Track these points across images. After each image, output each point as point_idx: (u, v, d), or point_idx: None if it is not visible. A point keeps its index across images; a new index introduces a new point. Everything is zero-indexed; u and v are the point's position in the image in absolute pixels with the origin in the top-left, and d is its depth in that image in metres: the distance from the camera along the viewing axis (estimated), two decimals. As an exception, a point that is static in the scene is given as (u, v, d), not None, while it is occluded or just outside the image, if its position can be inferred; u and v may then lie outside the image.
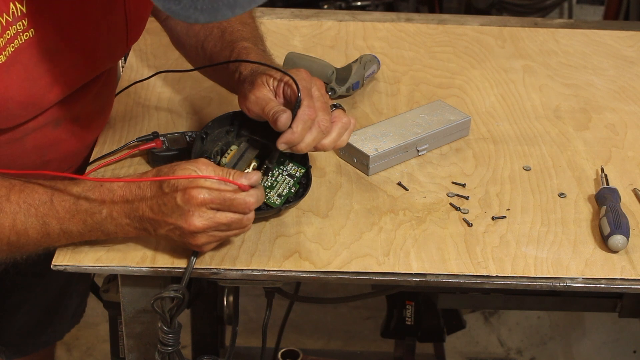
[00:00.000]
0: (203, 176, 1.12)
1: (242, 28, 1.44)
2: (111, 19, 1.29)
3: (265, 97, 1.26)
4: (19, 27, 1.14)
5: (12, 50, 1.14)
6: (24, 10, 1.14)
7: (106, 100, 1.43)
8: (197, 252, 1.18)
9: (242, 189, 1.13)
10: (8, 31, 1.13)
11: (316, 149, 1.25)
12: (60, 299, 1.71)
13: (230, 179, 1.13)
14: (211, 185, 1.12)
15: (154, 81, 1.61)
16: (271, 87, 1.27)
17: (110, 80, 1.43)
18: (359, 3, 3.56)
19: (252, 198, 1.13)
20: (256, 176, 1.15)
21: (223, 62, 1.36)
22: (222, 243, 1.21)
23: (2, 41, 1.13)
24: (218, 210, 1.13)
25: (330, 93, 1.58)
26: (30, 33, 1.16)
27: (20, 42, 1.15)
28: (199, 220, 1.12)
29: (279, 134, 1.28)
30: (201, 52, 1.44)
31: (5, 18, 1.13)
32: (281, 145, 1.23)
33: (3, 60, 1.13)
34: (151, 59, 1.70)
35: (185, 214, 1.12)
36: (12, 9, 1.13)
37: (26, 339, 1.70)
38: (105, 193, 1.15)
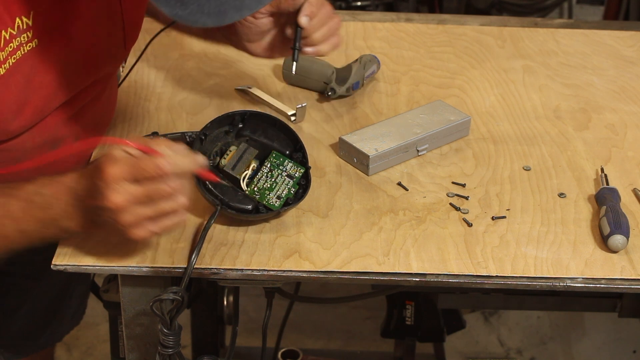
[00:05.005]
0: (119, 140, 1.10)
1: None
2: (109, 23, 1.29)
3: None
4: (22, 39, 1.14)
5: (13, 61, 1.14)
6: (30, 23, 1.14)
7: (105, 119, 1.44)
8: (197, 252, 1.17)
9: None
10: (11, 44, 1.13)
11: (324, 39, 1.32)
12: (59, 301, 1.71)
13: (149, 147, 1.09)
14: (125, 157, 1.09)
15: (154, 81, 1.61)
16: None
17: (110, 101, 1.43)
18: (359, 3, 3.56)
19: (164, 160, 1.08)
20: (178, 146, 1.11)
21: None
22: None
23: (3, 54, 1.12)
24: (135, 181, 1.08)
25: (330, 93, 1.58)
26: (33, 44, 1.16)
27: (22, 52, 1.15)
28: (116, 195, 1.07)
29: (279, 135, 1.33)
30: None
31: (10, 32, 1.12)
32: (303, 19, 1.30)
33: (2, 73, 1.13)
34: (151, 59, 1.70)
35: (103, 191, 1.08)
36: (18, 22, 1.13)
37: (25, 341, 1.70)
38: (58, 188, 1.13)
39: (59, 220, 1.13)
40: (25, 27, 1.14)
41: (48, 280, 1.62)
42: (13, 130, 1.22)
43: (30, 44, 1.15)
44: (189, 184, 1.13)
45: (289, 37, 1.39)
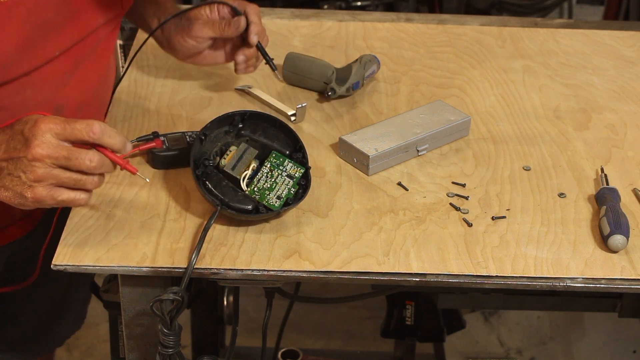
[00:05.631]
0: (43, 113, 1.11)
1: None
2: None
3: (208, 19, 1.44)
4: None
5: None
6: None
7: (106, 99, 1.43)
8: (197, 252, 1.17)
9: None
10: None
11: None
12: (60, 306, 1.70)
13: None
14: (61, 117, 1.10)
15: (154, 81, 1.61)
16: (205, 13, 1.45)
17: (109, 73, 1.43)
18: (359, 3, 3.56)
19: (97, 126, 1.09)
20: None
21: (197, 5, 1.45)
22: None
23: None
24: (63, 139, 1.09)
25: (330, 93, 1.58)
26: None
27: None
28: (41, 146, 1.07)
29: (279, 135, 1.34)
30: None
31: None
32: (254, 37, 1.43)
33: (5, 2, 1.13)
34: (151, 58, 1.70)
35: (29, 140, 1.08)
36: None
37: (25, 346, 1.69)
38: None
39: None
40: None
41: (49, 286, 1.61)
42: (14, 72, 1.22)
43: None
44: (106, 172, 1.13)
45: (232, 49, 1.50)
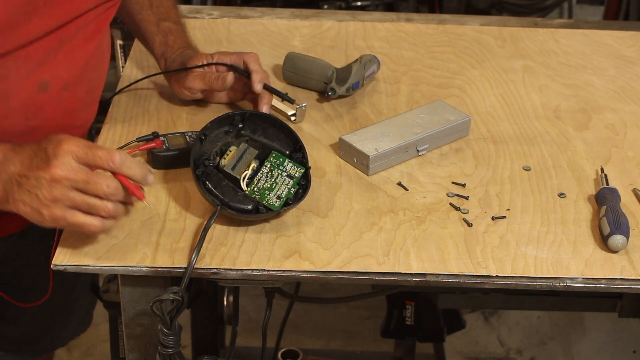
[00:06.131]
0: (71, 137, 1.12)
1: (166, 4, 1.57)
2: None
3: (201, 71, 1.48)
4: None
5: None
6: None
7: (96, 82, 1.43)
8: (197, 252, 1.17)
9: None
10: None
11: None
12: (62, 308, 1.70)
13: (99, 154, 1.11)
14: (84, 141, 1.11)
15: (154, 81, 1.61)
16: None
17: (103, 56, 1.43)
18: (359, 3, 3.56)
19: (118, 155, 1.11)
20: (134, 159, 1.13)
21: (196, 66, 1.49)
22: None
23: None
24: (83, 163, 1.10)
25: (330, 93, 1.58)
26: None
27: None
28: (60, 167, 1.09)
29: (279, 135, 1.34)
30: (127, 10, 1.53)
31: None
32: (258, 86, 1.46)
33: None
34: (151, 59, 1.70)
35: (50, 160, 1.09)
36: None
37: (26, 346, 1.69)
38: None
39: None
40: None
41: (15, 285, 1.60)
42: None
43: None
44: (124, 203, 1.14)
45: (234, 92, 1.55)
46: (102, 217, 1.13)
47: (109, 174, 1.13)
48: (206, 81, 1.48)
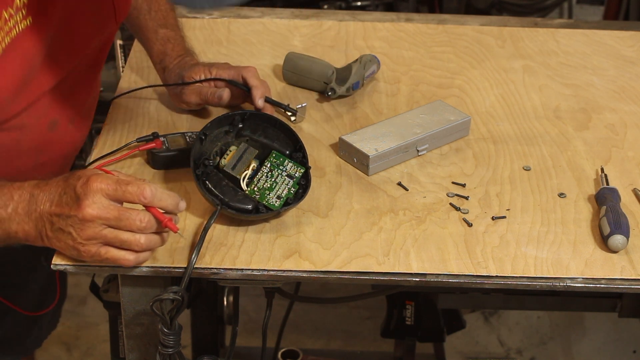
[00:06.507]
0: (107, 171, 1.13)
1: (164, 9, 1.57)
2: None
3: (198, 85, 1.48)
4: (18, 18, 1.14)
5: (9, 40, 1.13)
6: (26, 1, 1.14)
7: (93, 102, 1.44)
8: (197, 252, 1.17)
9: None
10: (9, 23, 1.13)
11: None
12: (38, 309, 1.69)
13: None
14: (113, 177, 1.11)
15: (155, 80, 1.61)
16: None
17: (98, 83, 1.44)
18: (359, 3, 3.55)
19: (149, 189, 1.10)
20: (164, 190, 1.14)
21: (194, 81, 1.49)
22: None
23: (6, 38, 1.12)
24: (114, 200, 1.10)
25: (330, 93, 1.58)
26: (27, 21, 1.16)
27: (17, 31, 1.15)
28: (92, 206, 1.08)
29: (279, 135, 1.34)
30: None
31: (9, 11, 1.12)
32: (260, 101, 1.46)
33: (0, 54, 1.13)
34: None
35: (80, 199, 1.09)
36: (17, 1, 1.13)
37: (9, 347, 1.68)
38: (15, 188, 1.13)
39: (7, 222, 1.13)
40: (21, 4, 1.14)
41: (25, 295, 1.60)
42: (12, 110, 1.22)
43: (24, 21, 1.15)
44: (157, 234, 1.14)
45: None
46: (136, 251, 1.13)
47: (140, 206, 1.12)
48: (202, 97, 1.48)
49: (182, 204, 1.15)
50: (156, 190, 1.12)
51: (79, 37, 1.29)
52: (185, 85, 1.49)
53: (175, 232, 1.14)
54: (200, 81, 1.49)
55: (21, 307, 1.54)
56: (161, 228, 1.14)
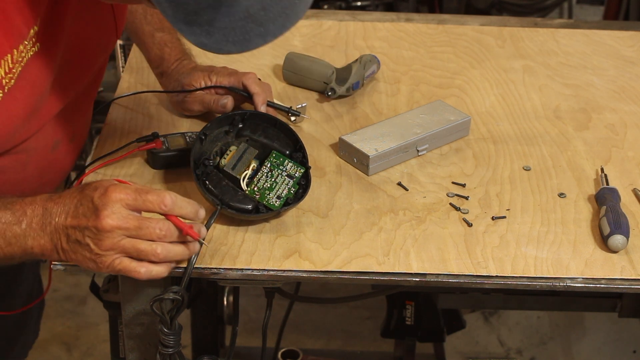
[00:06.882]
0: (122, 181, 1.12)
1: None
2: (100, 12, 1.29)
3: (199, 94, 1.47)
4: (28, 46, 1.14)
5: (20, 69, 1.13)
6: (37, 29, 1.14)
7: (91, 115, 1.44)
8: (197, 252, 1.17)
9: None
10: (23, 54, 1.13)
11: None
12: (20, 321, 1.68)
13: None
14: (131, 186, 1.11)
15: (154, 81, 1.61)
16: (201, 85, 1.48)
17: (92, 99, 1.44)
18: (359, 3, 3.56)
19: (169, 197, 1.10)
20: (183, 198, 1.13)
21: (195, 89, 1.48)
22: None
23: (17, 67, 1.12)
24: (134, 210, 1.10)
25: (330, 93, 1.58)
26: (35, 48, 1.15)
27: (27, 59, 1.14)
28: (111, 217, 1.08)
29: (279, 135, 1.35)
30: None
31: (24, 43, 1.12)
32: (262, 108, 1.43)
33: (12, 85, 1.12)
34: (151, 59, 1.70)
35: (99, 210, 1.08)
36: (31, 32, 1.13)
37: None
38: (27, 203, 1.12)
39: (22, 238, 1.12)
40: (33, 34, 1.13)
41: (10, 300, 1.60)
42: (23, 136, 1.21)
43: (33, 48, 1.15)
44: (179, 244, 1.13)
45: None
46: (153, 262, 1.11)
47: (159, 215, 1.11)
48: (205, 105, 1.48)
49: (202, 212, 1.14)
50: (176, 198, 1.11)
51: (86, 58, 1.29)
52: (186, 93, 1.48)
53: (197, 239, 1.14)
54: (201, 89, 1.48)
55: (9, 309, 1.53)
56: (182, 237, 1.13)
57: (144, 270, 1.11)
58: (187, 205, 1.12)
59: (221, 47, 1.04)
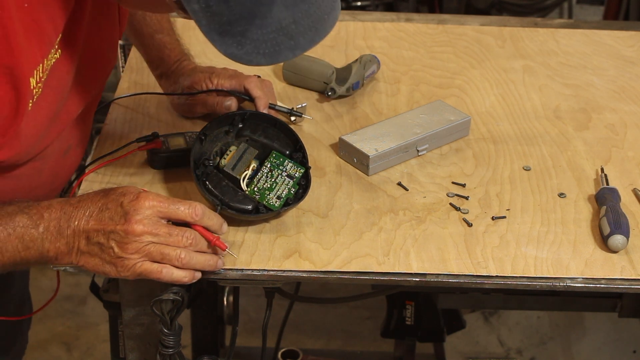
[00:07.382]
0: (144, 190, 1.14)
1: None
2: (108, 17, 1.29)
3: (202, 97, 1.47)
4: (53, 53, 1.14)
5: (46, 77, 1.13)
6: (60, 36, 1.14)
7: (92, 118, 1.45)
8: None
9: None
10: (49, 62, 1.13)
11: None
12: (10, 333, 1.68)
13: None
14: (162, 195, 1.13)
15: (154, 82, 1.61)
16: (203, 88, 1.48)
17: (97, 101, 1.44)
18: (359, 3, 3.56)
19: (199, 208, 1.12)
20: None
21: (197, 92, 1.48)
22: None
23: (45, 75, 1.12)
24: (163, 218, 1.11)
25: (330, 93, 1.58)
26: (57, 54, 1.15)
27: (50, 65, 1.14)
28: (142, 222, 1.10)
29: (279, 135, 1.35)
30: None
31: (51, 52, 1.12)
32: (264, 111, 1.42)
33: (40, 93, 1.12)
34: (151, 59, 1.70)
35: (129, 215, 1.10)
36: (57, 41, 1.13)
37: None
38: (43, 207, 1.13)
39: (40, 241, 1.12)
40: (58, 41, 1.14)
41: (4, 304, 1.59)
42: (45, 143, 1.22)
43: (55, 55, 1.15)
44: (203, 254, 1.15)
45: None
46: (175, 266, 1.13)
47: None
48: (209, 108, 1.48)
49: (225, 226, 1.17)
50: (205, 209, 1.14)
51: (100, 59, 1.29)
52: (188, 96, 1.48)
53: (225, 249, 1.16)
54: (203, 92, 1.48)
55: (2, 314, 1.53)
56: (206, 247, 1.15)
57: (166, 271, 1.13)
58: (214, 217, 1.16)
59: (251, 59, 1.05)
